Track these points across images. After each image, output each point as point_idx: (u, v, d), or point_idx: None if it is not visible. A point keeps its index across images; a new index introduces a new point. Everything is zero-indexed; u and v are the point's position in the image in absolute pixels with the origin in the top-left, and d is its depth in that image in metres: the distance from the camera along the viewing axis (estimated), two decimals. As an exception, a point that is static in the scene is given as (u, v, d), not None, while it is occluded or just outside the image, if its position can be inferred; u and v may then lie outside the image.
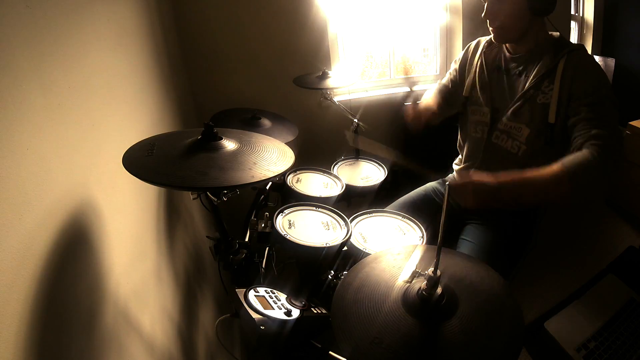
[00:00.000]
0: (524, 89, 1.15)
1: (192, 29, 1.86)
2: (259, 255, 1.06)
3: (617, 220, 2.35)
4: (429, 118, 1.40)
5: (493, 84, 1.26)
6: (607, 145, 0.94)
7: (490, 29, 1.19)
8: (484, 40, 1.33)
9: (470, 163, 1.33)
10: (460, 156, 1.44)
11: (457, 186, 0.98)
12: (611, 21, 2.59)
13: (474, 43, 1.36)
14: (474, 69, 1.30)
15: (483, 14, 1.16)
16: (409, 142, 2.31)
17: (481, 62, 1.28)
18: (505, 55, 1.25)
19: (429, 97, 1.46)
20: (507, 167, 1.21)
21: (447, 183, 0.70)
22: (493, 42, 1.28)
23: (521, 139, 1.17)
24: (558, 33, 1.16)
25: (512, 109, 1.18)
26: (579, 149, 0.97)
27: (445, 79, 1.44)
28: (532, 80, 1.13)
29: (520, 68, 1.19)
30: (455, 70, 1.39)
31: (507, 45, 1.24)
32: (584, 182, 0.93)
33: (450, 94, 1.41)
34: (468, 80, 1.32)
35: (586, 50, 1.11)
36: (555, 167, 0.94)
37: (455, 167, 1.45)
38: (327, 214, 1.13)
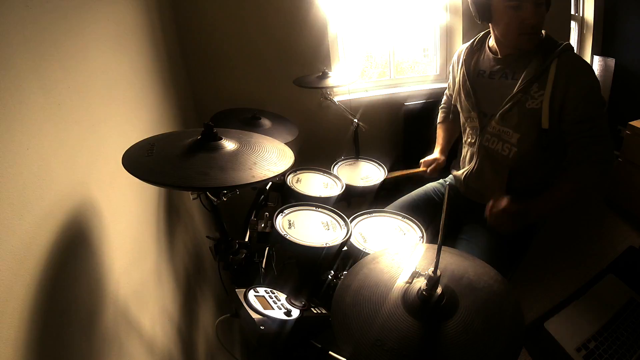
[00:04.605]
0: (513, 93, 1.14)
1: (192, 29, 1.86)
2: (259, 255, 1.06)
3: (617, 220, 2.35)
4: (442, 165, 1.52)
5: (477, 89, 1.26)
6: (608, 161, 1.09)
7: (524, 37, 1.11)
8: (463, 48, 1.34)
9: (468, 166, 1.34)
10: (458, 159, 1.45)
11: (497, 215, 1.11)
12: (611, 21, 2.59)
13: (455, 56, 1.38)
14: (458, 79, 1.33)
15: (525, 23, 1.07)
16: (409, 142, 2.32)
17: (463, 71, 1.30)
18: (488, 58, 1.25)
19: (441, 131, 1.57)
20: (499, 169, 1.23)
21: (447, 182, 0.70)
22: (473, 48, 1.30)
23: (512, 142, 1.18)
24: (544, 31, 1.15)
25: (500, 112, 1.18)
26: (581, 162, 1.09)
27: (446, 99, 1.55)
28: (520, 83, 1.13)
29: (507, 70, 1.19)
30: (449, 86, 1.46)
31: (494, 47, 1.23)
32: (591, 192, 1.11)
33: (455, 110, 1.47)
34: (455, 90, 1.36)
35: (573, 50, 1.11)
36: (568, 186, 1.12)
37: (452, 170, 1.46)
38: (327, 214, 1.13)
